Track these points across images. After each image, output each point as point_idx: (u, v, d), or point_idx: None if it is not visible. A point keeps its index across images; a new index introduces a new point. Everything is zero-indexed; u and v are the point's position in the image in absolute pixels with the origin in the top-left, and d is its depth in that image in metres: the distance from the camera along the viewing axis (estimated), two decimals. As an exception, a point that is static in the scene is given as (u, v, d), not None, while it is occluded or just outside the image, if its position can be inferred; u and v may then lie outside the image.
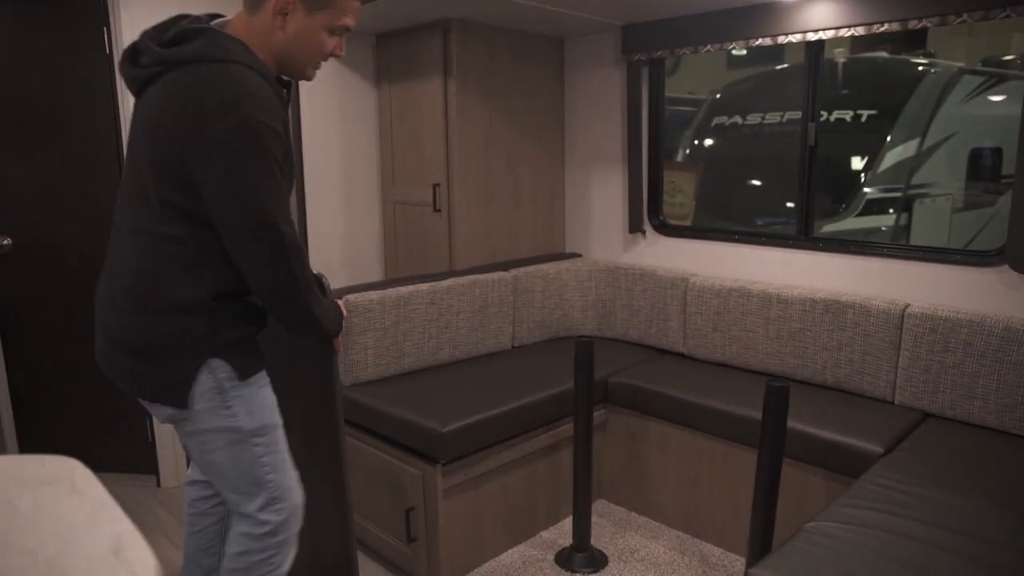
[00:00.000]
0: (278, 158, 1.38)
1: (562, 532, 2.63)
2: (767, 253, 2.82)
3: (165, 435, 2.97)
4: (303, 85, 3.00)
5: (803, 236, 2.76)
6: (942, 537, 1.63)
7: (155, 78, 1.40)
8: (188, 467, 1.88)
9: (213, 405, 1.48)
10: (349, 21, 1.48)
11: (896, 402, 2.42)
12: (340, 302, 1.68)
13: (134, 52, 1.44)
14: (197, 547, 1.85)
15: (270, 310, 1.48)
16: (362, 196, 3.39)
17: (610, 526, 2.68)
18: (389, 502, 2.36)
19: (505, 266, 3.09)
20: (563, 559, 2.44)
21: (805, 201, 2.75)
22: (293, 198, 3.08)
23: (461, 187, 3.04)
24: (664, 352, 3.06)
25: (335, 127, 3.24)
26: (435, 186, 3.07)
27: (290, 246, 1.40)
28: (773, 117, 5.04)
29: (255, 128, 1.32)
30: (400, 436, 2.30)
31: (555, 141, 3.40)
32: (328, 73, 3.15)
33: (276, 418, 1.59)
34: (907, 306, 2.39)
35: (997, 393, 2.21)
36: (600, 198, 3.36)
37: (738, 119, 5.27)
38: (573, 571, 2.39)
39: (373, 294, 2.57)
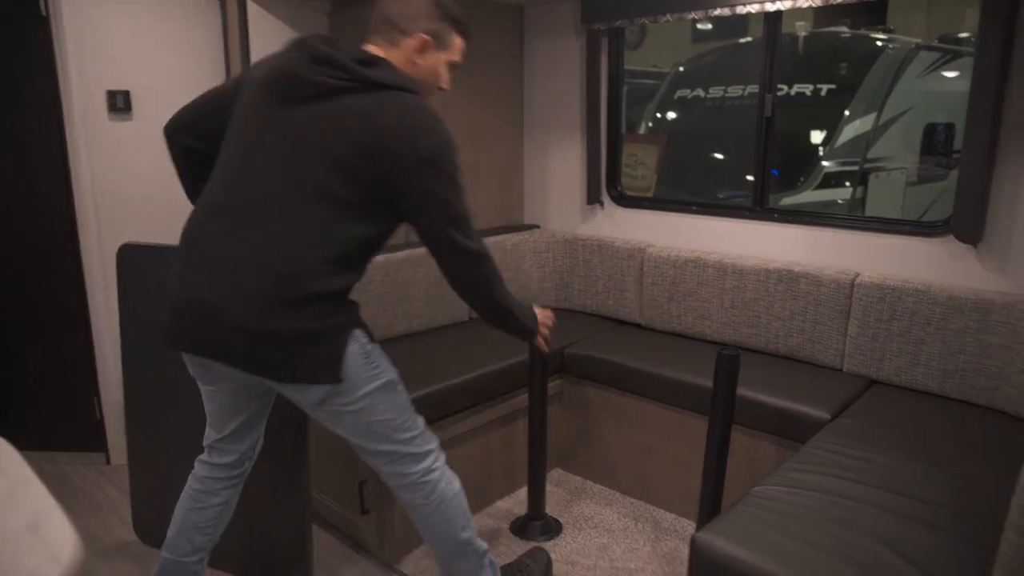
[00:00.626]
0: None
1: (517, 501, 2.64)
2: (723, 224, 2.84)
3: (113, 413, 2.90)
4: (254, 53, 2.92)
5: (759, 207, 2.78)
6: (883, 499, 1.66)
7: (349, 91, 1.51)
8: (201, 456, 1.84)
9: (364, 369, 1.60)
10: (460, 58, 1.75)
11: (845, 370, 2.46)
12: (541, 308, 1.94)
13: (324, 59, 1.52)
14: (194, 524, 1.83)
15: (472, 303, 1.73)
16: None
17: (565, 495, 2.69)
18: (343, 474, 2.34)
19: (462, 237, 3.06)
20: (518, 528, 2.45)
21: (761, 173, 2.76)
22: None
23: (417, 157, 2.99)
24: (620, 323, 3.07)
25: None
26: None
27: (484, 249, 1.65)
28: (735, 91, 5.05)
29: (453, 148, 1.56)
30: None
31: (514, 111, 3.36)
32: (278, 40, 3.07)
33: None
34: (857, 276, 2.42)
35: (940, 360, 2.26)
36: (558, 169, 3.34)
37: (701, 92, 5.28)
38: (528, 539, 2.40)
39: (325, 265, 2.53)
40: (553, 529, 2.44)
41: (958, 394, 2.24)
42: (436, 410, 2.29)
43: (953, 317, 2.22)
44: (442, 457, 1.79)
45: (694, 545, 1.53)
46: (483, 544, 1.88)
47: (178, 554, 1.83)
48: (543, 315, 1.94)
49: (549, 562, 2.19)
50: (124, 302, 2.26)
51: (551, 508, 2.58)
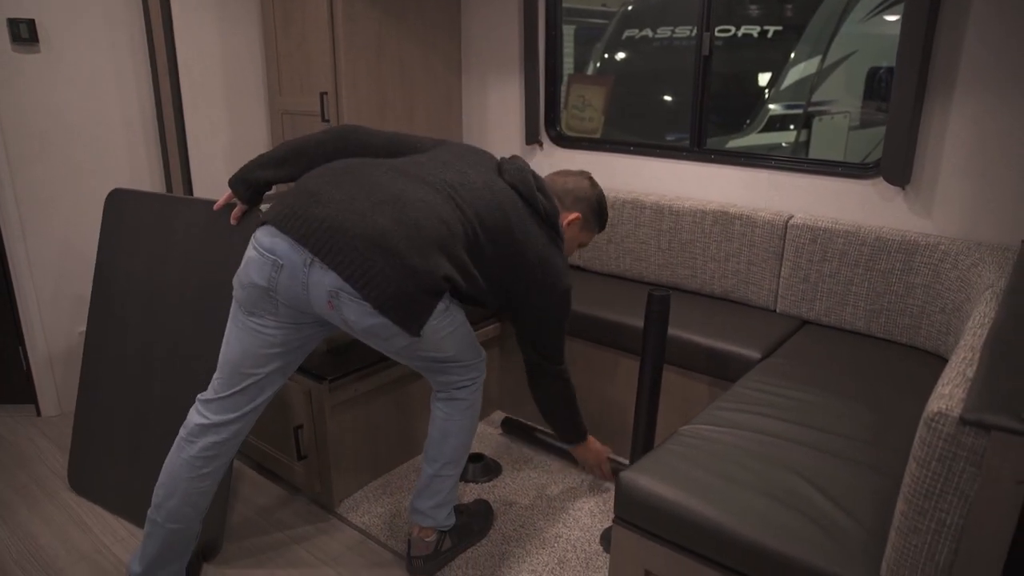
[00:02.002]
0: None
1: (458, 444, 2.65)
2: (661, 165, 2.83)
3: (41, 363, 2.81)
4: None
5: (696, 148, 2.77)
6: (806, 435, 1.71)
7: (533, 215, 1.86)
8: (199, 416, 1.75)
9: (440, 317, 1.72)
10: (589, 240, 2.14)
11: (777, 310, 2.51)
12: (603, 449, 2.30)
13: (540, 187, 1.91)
14: (199, 491, 1.77)
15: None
16: (247, 106, 3.18)
17: (503, 436, 2.72)
18: (278, 420, 2.32)
19: (400, 179, 2.99)
20: (457, 470, 2.47)
21: (699, 113, 2.74)
22: (171, 115, 2.87)
23: (350, 96, 2.89)
24: (561, 266, 3.06)
25: (212, 31, 3.00)
26: (322, 95, 2.90)
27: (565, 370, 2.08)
28: (683, 31, 4.99)
29: (569, 293, 1.93)
30: (286, 354, 2.23)
31: (451, 50, 3.26)
32: (201, -33, 2.90)
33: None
34: (790, 217, 2.45)
35: (866, 300, 2.31)
36: (497, 109, 3.27)
37: (649, 32, 5.20)
38: (467, 481, 2.42)
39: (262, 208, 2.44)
40: (494, 470, 2.46)
41: (883, 333, 2.31)
42: (370, 354, 2.26)
43: (880, 258, 2.26)
44: (481, 379, 2.00)
45: (619, 484, 1.55)
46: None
47: (187, 522, 1.78)
48: (599, 448, 2.29)
49: (490, 517, 2.21)
50: (105, 246, 2.28)
51: (490, 449, 2.60)
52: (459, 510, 2.12)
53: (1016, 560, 1.33)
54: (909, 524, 1.20)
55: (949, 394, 1.18)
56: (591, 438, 2.26)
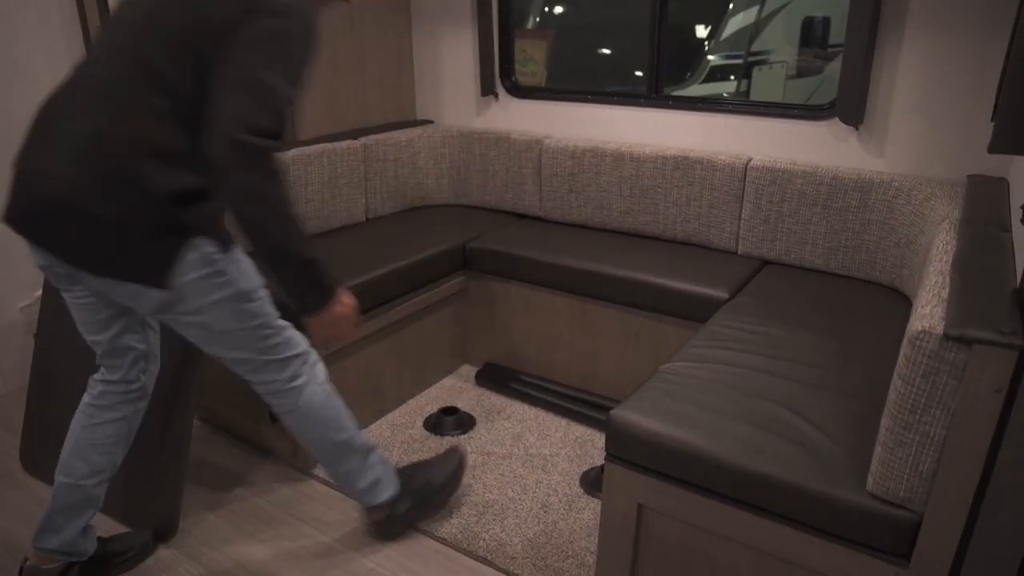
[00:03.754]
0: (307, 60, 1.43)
1: (430, 399, 2.65)
2: (619, 113, 2.83)
3: (-20, 336, 2.66)
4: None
5: (653, 95, 2.78)
6: (780, 366, 1.77)
7: None
8: (99, 358, 1.72)
9: (207, 279, 1.48)
10: None
11: (739, 252, 2.57)
12: (347, 297, 1.64)
13: None
14: (90, 442, 1.71)
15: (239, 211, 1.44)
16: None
17: (475, 389, 2.73)
18: (245, 384, 2.26)
19: (354, 135, 2.92)
20: (431, 424, 2.47)
21: (656, 59, 2.75)
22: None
23: (299, 48, 2.78)
24: (520, 216, 3.06)
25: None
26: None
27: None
28: (625, -21, 4.97)
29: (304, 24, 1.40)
30: (252, 315, 2.17)
31: (401, 1, 3.17)
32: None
33: (260, 282, 1.61)
34: (750, 160, 2.49)
35: (825, 238, 2.39)
36: (450, 61, 3.20)
37: (598, -18, 5.16)
38: (442, 434, 2.43)
39: (209, 166, 2.35)
40: (467, 423, 2.47)
41: (841, 269, 2.39)
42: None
43: (837, 196, 2.33)
44: (311, 361, 1.72)
45: (609, 421, 1.58)
46: (367, 442, 1.85)
47: (75, 477, 1.70)
48: (346, 300, 1.64)
49: (460, 464, 2.08)
50: None
51: (463, 403, 2.61)
52: (420, 467, 2.03)
53: (991, 467, 1.42)
54: (894, 438, 1.26)
55: (930, 314, 1.24)
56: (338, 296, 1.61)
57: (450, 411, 2.49)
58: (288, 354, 1.67)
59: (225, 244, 1.51)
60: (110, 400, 1.72)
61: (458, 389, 2.72)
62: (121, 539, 1.90)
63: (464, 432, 2.44)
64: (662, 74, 2.76)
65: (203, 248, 1.46)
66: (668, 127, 2.73)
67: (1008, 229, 1.65)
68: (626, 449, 1.57)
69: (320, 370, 1.75)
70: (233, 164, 1.34)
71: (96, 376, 1.74)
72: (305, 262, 1.49)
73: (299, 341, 1.70)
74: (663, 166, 2.62)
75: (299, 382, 1.70)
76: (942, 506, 1.23)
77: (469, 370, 2.86)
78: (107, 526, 1.98)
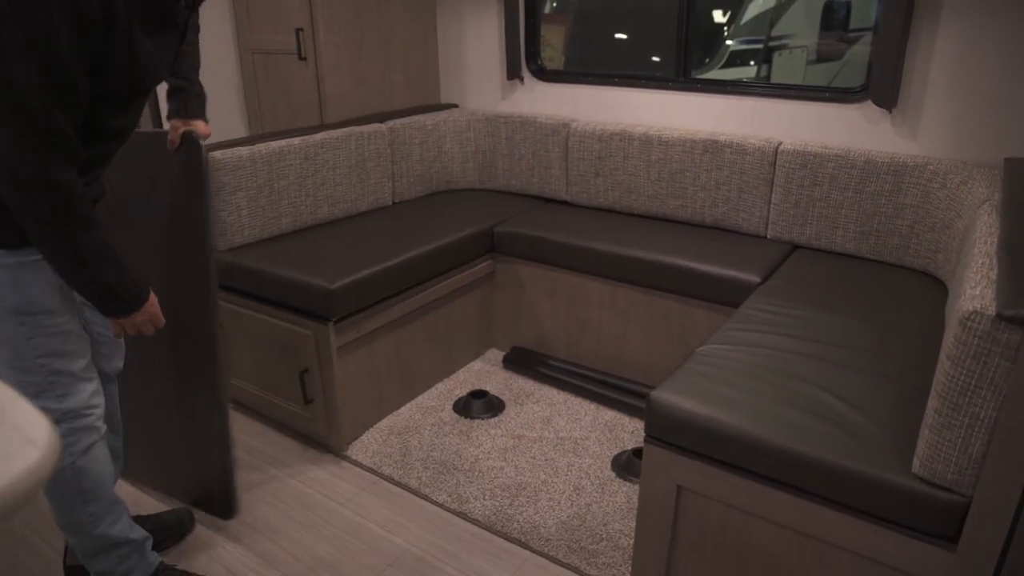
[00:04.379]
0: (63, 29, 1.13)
1: (458, 382, 2.67)
2: (647, 96, 2.81)
3: None
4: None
5: (682, 78, 2.76)
6: (816, 349, 1.77)
7: None
8: None
9: None
10: None
11: (769, 236, 2.56)
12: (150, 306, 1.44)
13: None
14: None
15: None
16: (214, 45, 3.03)
17: (503, 372, 2.74)
18: (282, 366, 2.28)
19: (380, 118, 2.92)
20: (461, 407, 2.48)
21: (684, 41, 2.73)
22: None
23: (327, 32, 2.78)
24: (547, 200, 3.05)
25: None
26: (298, 31, 2.78)
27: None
28: (643, -37, 4.92)
29: None
30: (287, 297, 2.18)
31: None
32: None
33: (53, 303, 1.39)
34: (780, 144, 2.48)
35: (856, 222, 2.37)
36: (475, 44, 3.19)
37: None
38: (472, 417, 2.44)
39: (243, 150, 2.36)
40: (497, 406, 2.48)
41: (873, 254, 2.37)
42: (371, 295, 2.23)
43: (870, 180, 2.31)
44: (73, 423, 1.46)
45: (649, 403, 1.58)
46: (113, 535, 1.59)
47: None
48: (148, 309, 1.45)
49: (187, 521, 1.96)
50: None
51: (492, 386, 2.62)
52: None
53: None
54: (943, 420, 1.26)
55: (980, 294, 1.23)
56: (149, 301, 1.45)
57: (480, 394, 2.50)
58: (43, 403, 1.40)
59: (10, 243, 1.31)
60: None
61: (486, 372, 2.73)
62: (163, 517, 1.92)
63: (494, 415, 2.45)
64: (690, 57, 2.74)
65: None
66: (697, 110, 2.71)
67: (1052, 212, 1.63)
68: (666, 430, 1.57)
69: (83, 441, 1.49)
70: (14, 199, 1.22)
71: None
72: (96, 282, 1.33)
73: (72, 395, 1.45)
74: (692, 150, 2.60)
75: (71, 439, 1.46)
76: (992, 489, 1.23)
77: (496, 354, 2.87)
78: (151, 506, 2.01)
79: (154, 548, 1.77)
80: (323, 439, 2.30)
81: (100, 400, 1.52)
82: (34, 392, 1.40)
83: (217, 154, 2.28)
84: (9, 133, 1.16)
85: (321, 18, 2.74)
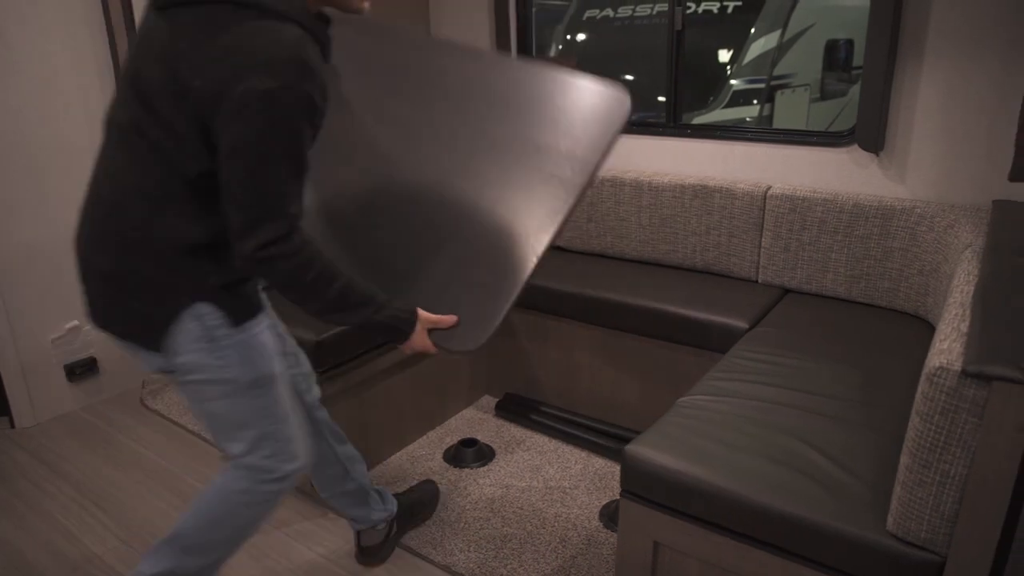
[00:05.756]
0: (309, 133, 1.30)
1: (450, 430, 2.65)
2: (638, 142, 2.83)
3: (13, 374, 2.72)
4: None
5: (672, 124, 2.78)
6: (801, 399, 1.74)
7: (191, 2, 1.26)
8: None
9: (203, 353, 1.38)
10: None
11: (759, 280, 2.54)
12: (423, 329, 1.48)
13: None
14: (318, 463, 1.86)
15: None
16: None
17: (495, 420, 2.72)
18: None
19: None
20: (450, 456, 2.47)
21: (673, 88, 2.75)
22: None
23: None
24: (542, 247, 3.06)
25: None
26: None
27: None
28: (644, 10, 5.00)
29: (299, 97, 1.23)
30: (273, 349, 2.20)
31: (421, 32, 3.22)
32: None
33: (278, 367, 1.50)
34: (769, 188, 2.48)
35: (847, 266, 2.35)
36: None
37: (610, 12, 5.21)
38: (461, 466, 2.42)
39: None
40: (487, 455, 2.46)
41: (864, 297, 2.35)
42: (357, 345, 2.24)
43: (858, 224, 2.30)
44: (283, 484, 1.54)
45: (624, 457, 1.56)
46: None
47: (331, 491, 1.91)
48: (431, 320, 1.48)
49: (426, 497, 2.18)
50: None
51: (483, 434, 2.60)
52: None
53: (1014, 507, 1.37)
54: (914, 478, 1.23)
55: (948, 349, 1.21)
56: (419, 325, 1.47)
57: (470, 443, 2.49)
58: (262, 465, 1.50)
59: (236, 319, 1.40)
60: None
61: (479, 420, 2.72)
62: (415, 491, 2.17)
63: (483, 464, 2.43)
64: (680, 103, 2.76)
65: (206, 319, 1.37)
66: (687, 156, 2.73)
67: (1033, 258, 1.61)
68: (642, 485, 1.55)
69: (280, 496, 1.58)
70: (258, 273, 1.34)
71: None
72: (363, 323, 1.42)
73: (292, 459, 1.54)
74: (682, 195, 2.61)
75: (249, 499, 1.53)
76: (965, 548, 1.20)
77: (490, 400, 2.86)
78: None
79: (415, 519, 2.14)
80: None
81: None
82: (265, 456, 1.50)
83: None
84: (264, 213, 1.27)
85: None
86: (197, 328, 1.36)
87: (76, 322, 2.86)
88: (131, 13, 2.74)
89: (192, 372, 1.40)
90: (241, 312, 1.41)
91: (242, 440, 1.48)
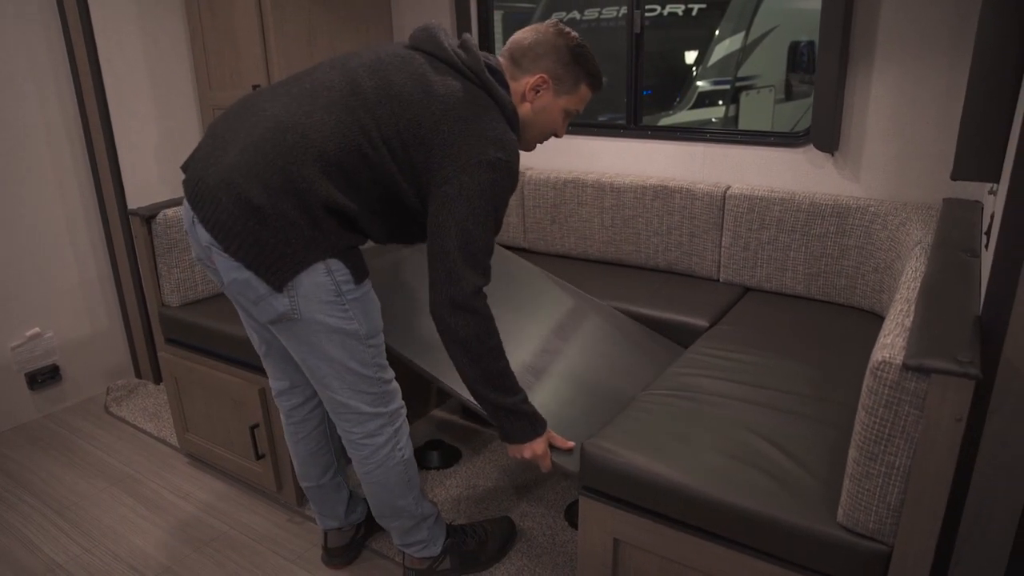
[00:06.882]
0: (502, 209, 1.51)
1: (415, 432, 2.66)
2: (599, 143, 2.86)
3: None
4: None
5: (632, 125, 2.82)
6: (758, 395, 1.77)
7: (445, 69, 1.52)
8: (270, 380, 1.87)
9: (328, 305, 1.51)
10: (581, 108, 1.66)
11: (721, 280, 2.58)
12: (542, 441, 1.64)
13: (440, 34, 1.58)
14: (308, 452, 1.91)
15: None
16: (176, 101, 3.08)
17: (461, 422, 2.73)
18: (234, 421, 2.27)
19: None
20: (418, 458, 2.47)
21: (634, 89, 2.79)
22: (96, 113, 2.75)
23: (284, 87, 2.82)
24: (505, 247, 3.08)
25: (133, 25, 2.88)
26: (255, 87, 2.83)
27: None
28: (610, 12, 5.04)
29: (504, 168, 1.46)
30: (235, 353, 2.18)
31: (383, 36, 3.22)
32: (116, -40, 2.79)
33: (383, 323, 1.68)
34: (728, 188, 2.51)
35: (805, 264, 2.40)
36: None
37: (576, 14, 5.24)
38: (428, 468, 2.43)
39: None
40: (452, 457, 2.47)
41: (822, 295, 2.40)
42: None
43: (815, 223, 2.35)
44: (397, 424, 1.73)
45: (583, 452, 1.58)
46: (426, 511, 1.86)
47: (312, 480, 1.92)
48: (552, 435, 1.66)
49: (512, 530, 2.08)
50: None
51: (449, 436, 2.61)
52: (474, 530, 1.99)
53: (957, 498, 1.41)
54: (861, 470, 1.26)
55: (891, 343, 1.24)
56: (546, 435, 1.64)
57: (435, 444, 2.49)
58: (375, 410, 1.68)
59: (358, 278, 1.55)
60: (301, 415, 1.88)
61: (445, 422, 2.72)
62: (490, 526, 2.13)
63: (449, 466, 2.44)
64: (640, 105, 2.79)
65: (335, 274, 1.50)
66: (647, 157, 2.76)
67: (977, 255, 1.66)
68: (601, 481, 1.57)
69: (404, 434, 1.76)
70: (448, 316, 1.47)
71: (282, 400, 1.88)
72: (500, 407, 1.56)
73: (395, 399, 1.72)
74: (643, 196, 2.64)
75: (376, 441, 1.71)
76: (911, 537, 1.23)
77: (455, 403, 2.87)
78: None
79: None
80: (275, 494, 2.28)
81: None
82: (370, 402, 1.66)
83: (170, 212, 2.30)
84: (464, 270, 1.45)
85: (277, 76, 2.79)
86: (328, 282, 1.49)
87: (37, 329, 2.82)
88: (88, 18, 2.70)
89: (318, 321, 1.52)
90: (361, 272, 1.56)
91: (346, 388, 1.62)
